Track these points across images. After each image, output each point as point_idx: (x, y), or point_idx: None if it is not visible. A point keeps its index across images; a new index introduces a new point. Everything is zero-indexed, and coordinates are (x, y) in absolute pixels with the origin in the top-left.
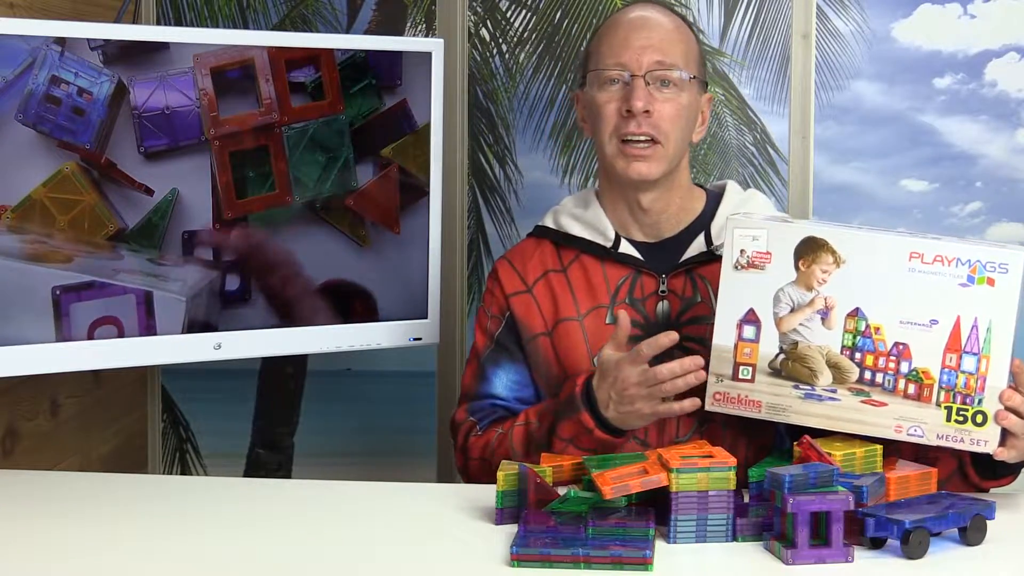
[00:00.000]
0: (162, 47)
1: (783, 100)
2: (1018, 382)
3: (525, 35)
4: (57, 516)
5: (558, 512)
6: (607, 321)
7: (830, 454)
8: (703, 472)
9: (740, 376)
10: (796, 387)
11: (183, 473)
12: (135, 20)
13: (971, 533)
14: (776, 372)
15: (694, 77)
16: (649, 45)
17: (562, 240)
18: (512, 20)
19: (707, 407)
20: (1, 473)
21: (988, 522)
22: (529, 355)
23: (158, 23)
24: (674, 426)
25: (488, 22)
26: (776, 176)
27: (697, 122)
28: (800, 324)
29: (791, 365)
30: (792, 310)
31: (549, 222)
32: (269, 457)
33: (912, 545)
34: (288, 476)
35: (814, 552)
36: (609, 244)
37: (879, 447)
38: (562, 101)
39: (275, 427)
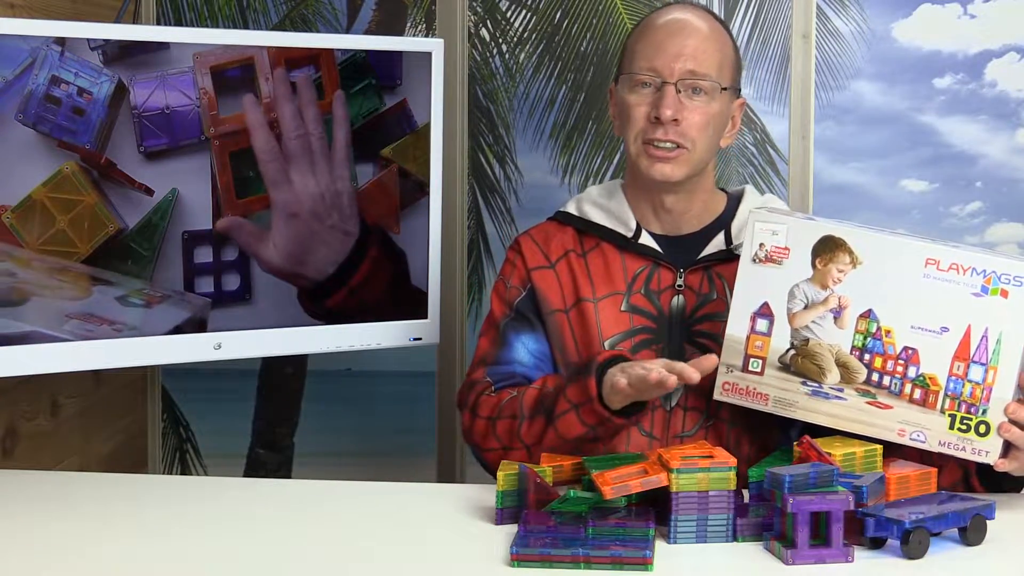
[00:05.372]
0: (162, 47)
1: (783, 100)
2: None
3: (525, 35)
4: (57, 516)
5: (558, 512)
6: (621, 308)
7: (830, 454)
8: (703, 472)
9: (750, 368)
10: (804, 383)
11: (183, 473)
12: (135, 20)
13: (971, 533)
14: (785, 367)
15: (725, 88)
16: (683, 53)
17: (584, 227)
18: (512, 20)
19: (716, 396)
20: (1, 473)
21: (988, 522)
22: (548, 330)
23: (158, 23)
24: (680, 421)
25: (488, 22)
26: (776, 176)
27: (727, 128)
28: (812, 321)
29: (800, 361)
30: (806, 307)
31: (572, 208)
32: (269, 457)
33: (912, 545)
34: (288, 476)
35: (814, 552)
36: (630, 234)
37: (879, 447)
38: (562, 101)
39: (275, 427)
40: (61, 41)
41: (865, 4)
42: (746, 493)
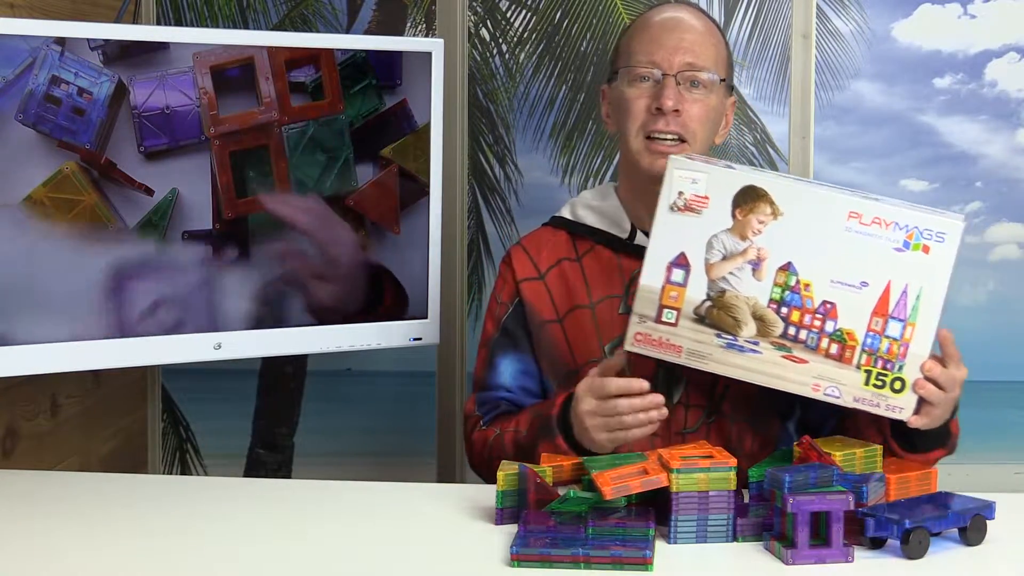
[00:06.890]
0: (162, 47)
1: (783, 100)
2: (944, 353)
3: (525, 35)
4: (57, 516)
5: (558, 512)
6: (619, 311)
7: (830, 454)
8: (703, 472)
9: (664, 319)
10: (719, 336)
11: (183, 473)
12: (135, 20)
13: (971, 533)
14: (700, 319)
15: (723, 80)
16: (681, 46)
17: (578, 230)
18: (512, 20)
19: (627, 347)
20: (1, 473)
21: (988, 522)
22: (538, 341)
23: (158, 23)
24: (682, 418)
25: (488, 22)
26: None
27: (721, 124)
28: (730, 273)
29: (716, 313)
30: (724, 258)
31: (566, 213)
32: (269, 457)
33: (912, 545)
34: (288, 476)
35: (814, 552)
36: (624, 235)
37: (879, 447)
38: (562, 101)
39: (275, 427)
40: (61, 41)
41: (865, 4)
42: (746, 493)
